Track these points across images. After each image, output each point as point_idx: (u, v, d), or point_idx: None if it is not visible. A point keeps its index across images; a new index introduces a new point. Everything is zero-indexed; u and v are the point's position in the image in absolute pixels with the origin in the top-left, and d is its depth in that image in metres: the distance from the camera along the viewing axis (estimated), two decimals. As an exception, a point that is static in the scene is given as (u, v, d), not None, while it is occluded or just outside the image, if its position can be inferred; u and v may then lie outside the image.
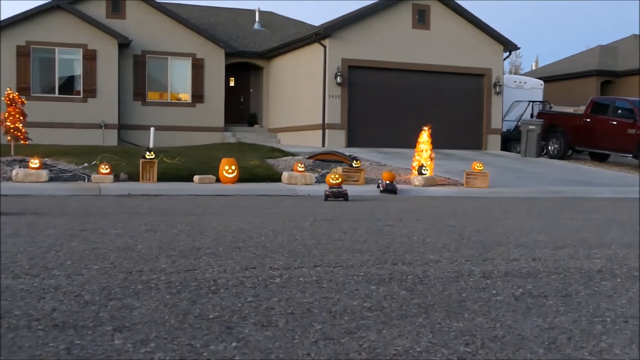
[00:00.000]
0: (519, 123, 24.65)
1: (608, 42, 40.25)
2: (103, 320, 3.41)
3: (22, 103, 16.29)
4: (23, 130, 16.14)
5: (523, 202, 12.70)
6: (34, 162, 13.51)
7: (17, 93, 16.78)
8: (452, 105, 24.68)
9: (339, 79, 22.90)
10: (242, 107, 29.26)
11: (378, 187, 13.75)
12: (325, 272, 4.86)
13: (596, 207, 11.58)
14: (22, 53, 23.56)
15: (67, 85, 24.47)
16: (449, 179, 16.18)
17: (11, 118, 15.98)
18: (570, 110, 26.67)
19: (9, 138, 16.37)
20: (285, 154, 19.42)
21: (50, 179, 13.52)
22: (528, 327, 3.54)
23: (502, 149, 25.51)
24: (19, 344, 3.01)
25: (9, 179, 13.36)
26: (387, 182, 13.68)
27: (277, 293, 4.13)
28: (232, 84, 28.91)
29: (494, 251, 6.10)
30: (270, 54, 27.39)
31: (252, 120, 28.80)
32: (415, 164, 15.87)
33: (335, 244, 6.29)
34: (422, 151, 15.92)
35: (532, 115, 25.98)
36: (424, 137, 16.04)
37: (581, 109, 24.64)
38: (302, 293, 4.15)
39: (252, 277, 4.60)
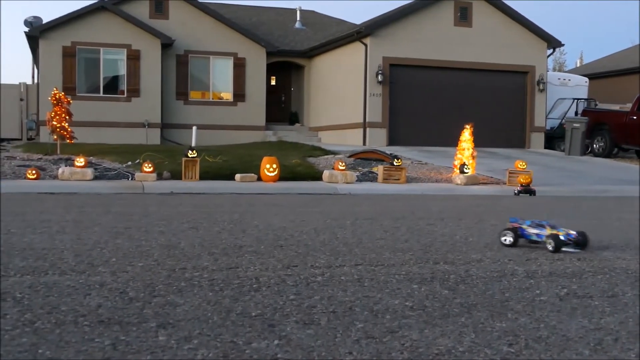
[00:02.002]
0: (563, 121, 24.26)
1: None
2: (147, 317, 3.45)
3: (68, 103, 16.60)
4: (69, 129, 16.46)
5: (567, 201, 12.49)
6: (80, 161, 13.76)
7: (63, 93, 17.11)
8: (495, 103, 24.40)
9: (380, 78, 22.83)
10: (283, 106, 29.36)
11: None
12: (367, 270, 4.85)
13: (643, 207, 11.32)
14: (68, 53, 24.03)
15: (112, 85, 24.88)
16: (492, 177, 16.00)
17: (57, 117, 16.30)
18: (616, 107, 26.14)
19: (55, 137, 16.71)
20: (326, 152, 19.43)
21: (95, 177, 13.75)
22: (573, 328, 3.48)
23: (546, 147, 25.14)
24: (66, 339, 3.07)
25: (55, 177, 13.63)
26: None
27: (318, 291, 4.13)
28: (273, 82, 29.03)
29: (537, 251, 6.01)
30: (311, 53, 27.43)
31: (293, 119, 28.88)
32: (457, 163, 15.74)
33: (376, 242, 6.27)
34: (464, 149, 15.78)
35: (576, 113, 25.54)
36: (466, 135, 15.90)
37: (627, 107, 24.12)
38: (343, 292, 4.14)
39: (293, 275, 4.61)
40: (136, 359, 2.84)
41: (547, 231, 6.08)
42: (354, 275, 4.67)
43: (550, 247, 5.92)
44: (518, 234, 6.18)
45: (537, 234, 6.14)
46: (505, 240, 6.17)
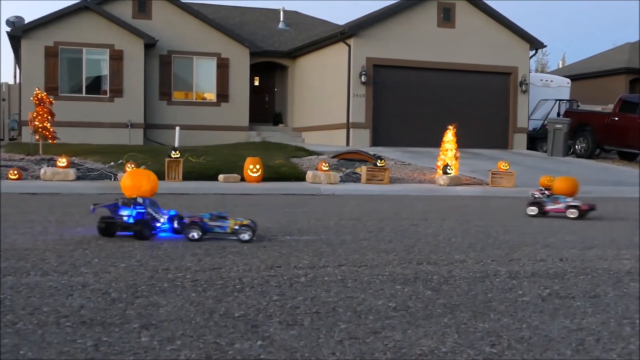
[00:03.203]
0: (546, 122, 24.44)
1: (637, 40, 39.72)
2: (130, 318, 3.44)
3: (51, 103, 16.49)
4: (51, 129, 16.35)
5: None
6: (62, 161, 13.68)
7: (45, 93, 17.00)
8: (478, 104, 24.53)
9: (363, 78, 22.87)
10: (267, 107, 29.34)
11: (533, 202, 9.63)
12: (350, 271, 4.86)
13: (626, 207, 11.43)
14: (51, 53, 23.86)
15: (94, 85, 24.73)
16: (475, 178, 16.08)
17: (40, 117, 16.18)
18: (598, 108, 26.36)
19: (37, 137, 16.59)
20: (310, 153, 19.43)
21: (78, 178, 13.67)
22: (555, 329, 3.51)
23: (529, 148, 25.30)
24: (48, 340, 3.05)
25: (38, 177, 13.54)
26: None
27: (302, 292, 4.14)
28: (257, 83, 29.00)
29: (520, 251, 6.05)
30: (295, 53, 27.43)
31: (277, 119, 28.87)
32: (440, 164, 15.80)
33: (360, 243, 6.28)
34: (447, 150, 15.84)
35: (558, 114, 25.73)
36: (449, 136, 15.96)
37: (609, 108, 24.34)
38: (327, 292, 4.15)
39: (277, 275, 4.61)
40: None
41: (231, 223, 6.18)
42: (337, 275, 4.67)
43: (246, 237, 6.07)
44: (203, 228, 6.13)
45: (219, 226, 6.19)
46: (193, 236, 6.07)
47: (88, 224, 7.09)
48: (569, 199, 9.24)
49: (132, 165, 13.78)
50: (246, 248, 5.76)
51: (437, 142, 16.63)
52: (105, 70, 24.65)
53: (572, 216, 9.00)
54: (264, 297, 3.96)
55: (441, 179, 14.98)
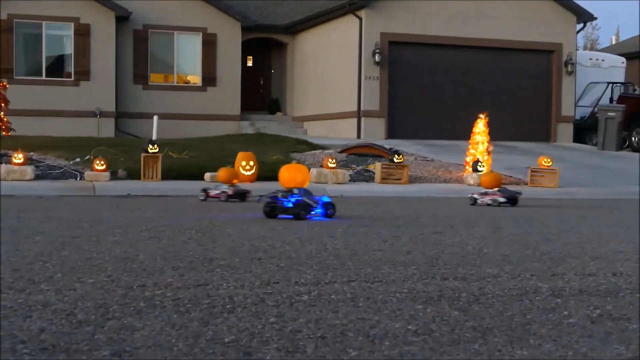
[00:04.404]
0: (596, 109, 24.40)
1: None
2: (99, 344, 3.44)
3: (4, 87, 16.55)
4: (4, 119, 16.40)
5: (601, 205, 12.56)
6: (18, 157, 13.70)
7: (-3, 76, 17.06)
8: (514, 88, 24.51)
9: (377, 58, 22.87)
10: (262, 92, 29.37)
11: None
12: (362, 287, 4.86)
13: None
14: (4, 29, 23.90)
15: (56, 66, 24.80)
16: (511, 176, 16.08)
17: (-9, 105, 16.24)
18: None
19: (-12, 129, 16.65)
20: (314, 147, 19.46)
21: (37, 177, 13.69)
22: (607, 356, 3.50)
23: (575, 140, 25.28)
24: (1, 370, 3.06)
25: (-11, 176, 13.57)
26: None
27: (304, 313, 4.14)
28: (250, 63, 29.03)
29: (565, 264, 6.04)
30: (296, 28, 27.45)
31: (274, 107, 28.89)
32: (469, 159, 15.80)
33: (373, 254, 6.28)
34: (477, 143, 15.85)
35: (611, 100, 25.68)
36: (480, 126, 15.97)
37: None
38: (334, 313, 4.15)
39: (274, 293, 4.61)
40: (86, 394, 2.84)
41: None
42: (346, 293, 4.68)
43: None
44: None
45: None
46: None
47: (48, 232, 7.11)
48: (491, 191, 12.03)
49: (102, 162, 13.81)
50: (237, 260, 5.77)
51: (465, 134, 16.63)
52: (69, 49, 24.71)
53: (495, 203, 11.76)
54: (259, 319, 3.96)
55: (470, 177, 14.98)
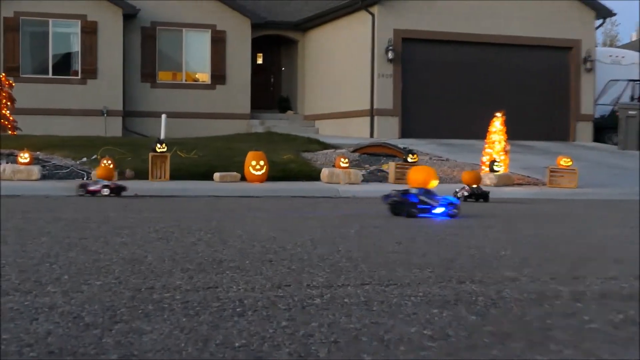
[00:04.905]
0: (616, 108, 24.30)
1: None
2: (107, 347, 3.44)
3: (10, 86, 16.62)
4: (10, 118, 16.47)
5: (622, 205, 12.50)
6: (24, 157, 13.75)
7: (3, 74, 17.13)
8: (532, 85, 24.44)
9: (390, 55, 22.85)
10: (272, 90, 29.40)
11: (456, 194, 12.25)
12: (376, 291, 4.85)
13: None
14: (10, 26, 24.00)
15: (63, 64, 24.88)
16: (529, 177, 16.03)
17: (-4, 104, 16.31)
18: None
19: (-7, 128, 16.71)
20: (325, 146, 19.45)
21: (43, 177, 13.73)
22: (630, 362, 3.48)
23: (595, 139, 25.18)
24: (7, 375, 3.06)
25: (-6, 176, 13.61)
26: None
27: (316, 317, 4.13)
28: (260, 61, 29.06)
29: (586, 267, 6.01)
30: (306, 25, 27.45)
31: (284, 105, 28.90)
32: (485, 159, 15.76)
33: (387, 256, 6.27)
34: (494, 143, 15.81)
35: (632, 98, 25.58)
36: (497, 125, 15.93)
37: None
38: (347, 317, 4.14)
39: (286, 296, 4.60)
40: (93, 399, 2.83)
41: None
42: (359, 296, 4.66)
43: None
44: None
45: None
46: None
47: (54, 233, 7.12)
48: None
49: (109, 162, 13.83)
50: (248, 262, 5.76)
51: (481, 133, 16.59)
52: (76, 47, 24.79)
53: None
54: (270, 323, 3.95)
55: (487, 177, 14.94)
